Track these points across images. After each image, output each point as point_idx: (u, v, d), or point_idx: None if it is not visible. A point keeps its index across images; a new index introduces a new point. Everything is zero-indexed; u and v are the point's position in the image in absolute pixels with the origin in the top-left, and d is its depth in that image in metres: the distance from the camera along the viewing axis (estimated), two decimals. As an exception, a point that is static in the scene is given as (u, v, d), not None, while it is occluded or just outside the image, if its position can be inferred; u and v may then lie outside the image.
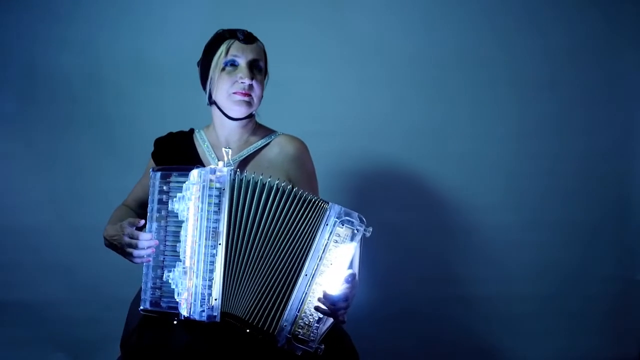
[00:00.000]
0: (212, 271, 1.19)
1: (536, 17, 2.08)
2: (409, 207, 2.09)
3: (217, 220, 1.20)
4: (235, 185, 1.22)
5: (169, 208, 1.23)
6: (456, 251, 2.11)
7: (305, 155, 1.48)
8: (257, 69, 1.40)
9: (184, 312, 1.19)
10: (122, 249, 1.27)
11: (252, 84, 1.37)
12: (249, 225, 1.22)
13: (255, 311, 1.20)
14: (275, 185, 1.23)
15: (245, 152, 1.43)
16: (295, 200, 1.22)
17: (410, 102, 2.07)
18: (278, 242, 1.22)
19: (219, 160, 1.41)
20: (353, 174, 2.08)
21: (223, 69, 1.37)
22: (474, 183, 2.09)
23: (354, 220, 1.21)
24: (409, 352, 2.09)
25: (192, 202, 1.20)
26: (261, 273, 1.21)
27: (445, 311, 2.09)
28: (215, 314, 1.18)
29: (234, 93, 1.37)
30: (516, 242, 2.09)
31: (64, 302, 2.04)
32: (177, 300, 1.20)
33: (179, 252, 1.21)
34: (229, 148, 1.34)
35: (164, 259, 1.24)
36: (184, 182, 1.21)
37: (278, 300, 1.20)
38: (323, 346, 1.20)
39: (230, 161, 1.37)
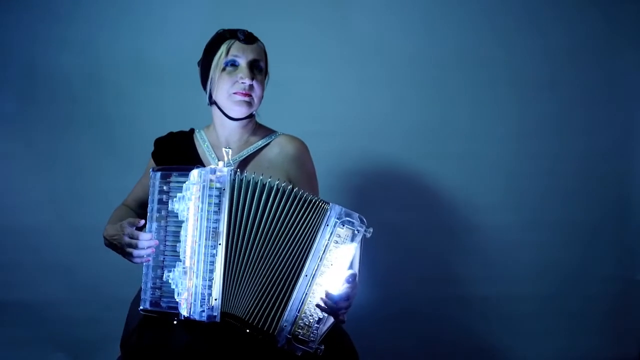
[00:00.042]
0: (212, 271, 1.19)
1: (536, 17, 2.08)
2: (409, 207, 2.09)
3: (217, 221, 1.20)
4: (236, 185, 1.22)
5: (169, 208, 1.23)
6: (456, 251, 2.11)
7: (305, 155, 1.48)
8: (258, 69, 1.40)
9: (184, 312, 1.19)
10: (122, 248, 1.27)
11: (252, 84, 1.37)
12: (249, 226, 1.22)
13: (255, 311, 1.20)
14: (275, 186, 1.23)
15: (246, 152, 1.43)
16: (296, 201, 1.22)
17: (410, 102, 2.07)
18: (278, 242, 1.22)
19: (219, 160, 1.41)
20: (353, 174, 2.08)
21: (223, 69, 1.37)
22: (474, 183, 2.09)
23: (354, 220, 1.21)
24: (409, 352, 2.09)
25: (192, 202, 1.20)
26: (261, 273, 1.21)
27: (445, 311, 2.09)
28: (215, 314, 1.18)
29: (234, 93, 1.37)
30: (516, 242, 2.09)
31: (64, 302, 2.04)
32: (177, 300, 1.20)
33: (179, 252, 1.21)
34: (229, 148, 1.34)
35: (164, 259, 1.24)
36: (184, 182, 1.21)
37: (278, 301, 1.20)
38: (323, 346, 1.20)
39: (231, 161, 1.37)
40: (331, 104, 2.06)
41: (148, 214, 1.25)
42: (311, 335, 1.20)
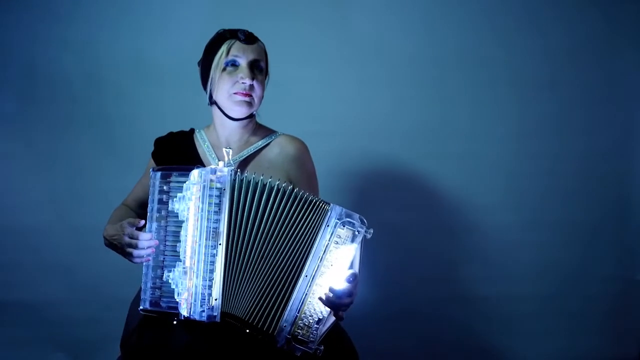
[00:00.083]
0: (212, 271, 1.19)
1: (536, 17, 2.08)
2: (409, 207, 2.09)
3: (217, 221, 1.20)
4: (236, 185, 1.22)
5: (169, 208, 1.23)
6: (456, 251, 2.11)
7: (305, 155, 1.48)
8: (258, 69, 1.40)
9: (184, 312, 1.19)
10: (122, 248, 1.27)
11: (252, 84, 1.37)
12: (249, 226, 1.22)
13: (255, 311, 1.20)
14: (276, 186, 1.23)
15: (246, 153, 1.43)
16: (296, 201, 1.22)
17: (410, 102, 2.07)
18: (278, 242, 1.22)
19: (219, 160, 1.41)
20: (353, 174, 2.08)
21: (224, 69, 1.37)
22: (474, 183, 2.09)
23: (354, 221, 1.21)
24: (409, 352, 2.09)
25: (193, 202, 1.20)
26: (261, 273, 1.21)
27: (445, 311, 2.09)
28: (215, 314, 1.18)
29: (234, 93, 1.37)
30: (516, 242, 2.09)
31: (64, 302, 2.04)
32: (177, 300, 1.20)
33: (179, 252, 1.21)
34: (230, 148, 1.34)
35: (164, 259, 1.24)
36: (185, 182, 1.21)
37: (278, 301, 1.20)
38: (322, 347, 1.20)
39: (231, 161, 1.37)
40: (331, 104, 2.06)
41: (148, 213, 1.25)
42: (311, 335, 1.20)
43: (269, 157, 1.45)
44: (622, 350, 2.13)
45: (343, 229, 1.21)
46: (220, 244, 1.19)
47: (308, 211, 1.22)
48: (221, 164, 1.31)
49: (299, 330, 1.20)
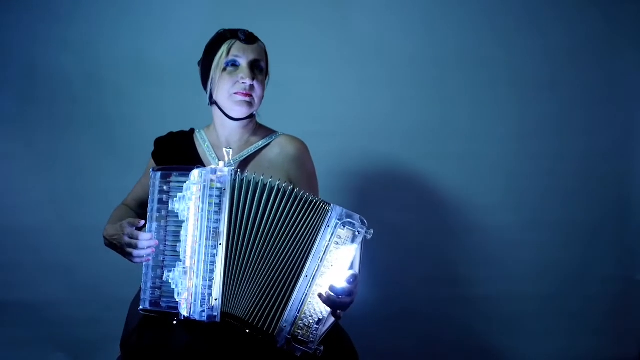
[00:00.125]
0: (212, 271, 1.19)
1: (536, 17, 2.08)
2: (409, 207, 2.09)
3: (217, 221, 1.19)
4: (236, 185, 1.22)
5: (169, 208, 1.23)
6: (456, 251, 2.11)
7: (305, 155, 1.48)
8: (258, 69, 1.40)
9: (184, 312, 1.19)
10: (122, 248, 1.27)
11: (253, 84, 1.37)
12: (249, 226, 1.22)
13: (255, 312, 1.20)
14: (276, 186, 1.23)
15: (246, 153, 1.43)
16: (297, 202, 1.22)
17: (410, 102, 2.07)
18: (279, 242, 1.22)
19: (219, 160, 1.41)
20: (353, 174, 2.08)
21: (224, 69, 1.37)
22: (474, 183, 2.09)
23: (355, 222, 1.21)
24: (409, 352, 2.09)
25: (193, 202, 1.20)
26: (262, 273, 1.21)
27: (446, 311, 2.09)
28: (215, 314, 1.18)
29: (235, 93, 1.37)
30: (516, 242, 2.09)
31: (64, 302, 2.04)
32: (177, 300, 1.20)
33: (179, 252, 1.21)
34: (230, 148, 1.34)
35: (164, 259, 1.24)
36: (185, 182, 1.21)
37: (278, 301, 1.20)
38: (322, 347, 1.20)
39: (231, 161, 1.37)
40: (331, 104, 2.06)
41: (148, 213, 1.25)
42: (310, 336, 1.20)
43: (269, 157, 1.45)
44: (622, 350, 2.13)
45: (343, 230, 1.21)
46: (220, 244, 1.19)
47: (308, 211, 1.22)
48: (221, 164, 1.30)
49: (299, 331, 1.20)
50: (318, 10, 2.06)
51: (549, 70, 2.09)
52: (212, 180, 1.20)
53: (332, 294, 1.17)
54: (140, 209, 1.48)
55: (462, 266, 2.11)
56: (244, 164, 1.43)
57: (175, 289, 1.21)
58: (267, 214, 1.22)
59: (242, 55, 1.37)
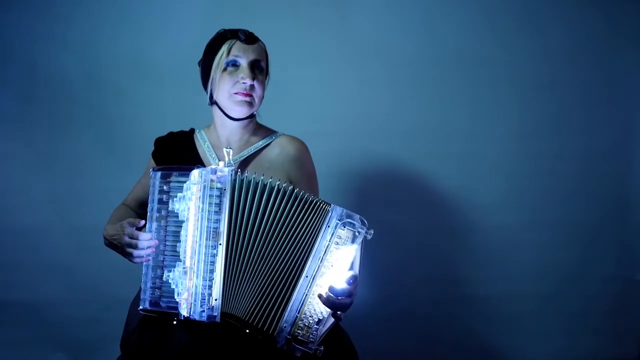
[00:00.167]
0: (212, 271, 1.19)
1: (536, 17, 2.08)
2: (409, 207, 2.09)
3: (217, 221, 1.19)
4: (237, 185, 1.22)
5: (169, 208, 1.23)
6: (456, 251, 2.11)
7: (305, 155, 1.48)
8: (259, 69, 1.40)
9: (184, 312, 1.19)
10: (122, 248, 1.27)
11: (253, 84, 1.37)
12: (249, 226, 1.22)
13: (255, 312, 1.20)
14: (276, 186, 1.23)
15: (246, 153, 1.43)
16: (297, 202, 1.22)
17: (410, 102, 2.07)
18: (279, 243, 1.22)
19: (219, 160, 1.41)
20: (353, 174, 2.08)
21: (224, 69, 1.37)
22: (474, 183, 2.09)
23: (355, 222, 1.21)
24: (409, 352, 2.09)
25: (193, 202, 1.20)
26: (262, 274, 1.21)
27: (446, 311, 2.09)
28: (215, 314, 1.18)
29: (235, 93, 1.37)
30: (516, 242, 2.09)
31: (64, 302, 2.04)
32: (177, 300, 1.20)
33: (179, 252, 1.21)
34: (230, 148, 1.34)
35: (163, 258, 1.24)
36: (185, 182, 1.21)
37: (278, 301, 1.20)
38: (322, 347, 1.20)
39: (231, 161, 1.37)
40: (331, 104, 2.06)
41: (148, 213, 1.25)
42: (310, 336, 1.20)
43: (269, 157, 1.45)
44: (622, 350, 2.13)
45: (344, 230, 1.21)
46: (220, 244, 1.19)
47: (308, 212, 1.22)
48: (221, 164, 1.30)
49: (299, 331, 1.20)
50: (318, 10, 2.06)
51: (549, 70, 2.09)
52: (212, 180, 1.20)
53: (332, 295, 1.17)
54: (140, 209, 1.48)
55: (462, 266, 2.11)
56: (244, 164, 1.43)
57: (175, 289, 1.21)
58: (267, 214, 1.22)
59: (243, 55, 1.37)
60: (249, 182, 1.23)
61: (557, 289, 2.11)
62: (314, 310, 1.20)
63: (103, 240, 1.35)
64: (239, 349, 1.23)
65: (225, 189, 1.20)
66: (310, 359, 1.20)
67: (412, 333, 2.09)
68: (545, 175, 2.09)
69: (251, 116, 1.43)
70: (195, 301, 1.18)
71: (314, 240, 1.21)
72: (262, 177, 1.24)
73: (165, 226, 1.24)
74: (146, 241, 1.23)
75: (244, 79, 1.36)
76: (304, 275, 1.20)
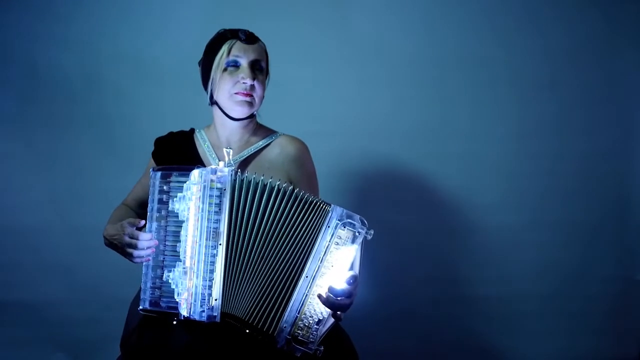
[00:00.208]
0: (212, 271, 1.19)
1: (536, 17, 2.08)
2: (409, 207, 2.09)
3: (217, 221, 1.19)
4: (237, 185, 1.22)
5: (169, 208, 1.23)
6: (456, 251, 2.11)
7: (305, 155, 1.48)
8: (259, 69, 1.40)
9: (183, 312, 1.19)
10: (122, 248, 1.27)
11: (253, 84, 1.37)
12: (249, 226, 1.22)
13: (255, 312, 1.20)
14: (276, 187, 1.23)
15: (246, 153, 1.43)
16: (297, 202, 1.22)
17: (410, 102, 2.07)
18: (279, 243, 1.22)
19: (219, 161, 1.41)
20: (353, 174, 2.08)
21: (225, 69, 1.37)
22: (474, 183, 2.09)
23: (355, 222, 1.21)
24: (409, 352, 2.09)
25: (193, 202, 1.20)
26: (262, 274, 1.21)
27: (446, 311, 2.09)
28: (215, 314, 1.18)
29: (235, 93, 1.37)
30: (516, 242, 2.09)
31: (64, 302, 2.04)
32: (177, 300, 1.20)
33: (179, 252, 1.21)
34: (230, 148, 1.34)
35: (163, 258, 1.24)
36: (185, 182, 1.21)
37: (278, 302, 1.20)
38: (322, 348, 1.20)
39: (231, 161, 1.37)
40: (331, 104, 2.06)
41: (148, 213, 1.25)
42: (310, 336, 1.20)
43: (269, 158, 1.45)
44: (622, 350, 2.13)
45: (344, 230, 1.21)
46: (220, 244, 1.19)
47: (309, 212, 1.22)
48: (221, 164, 1.30)
49: (299, 331, 1.20)
50: (318, 10, 2.06)
51: (549, 70, 2.09)
52: (212, 181, 1.20)
53: (332, 295, 1.17)
54: (140, 209, 1.48)
55: (462, 266, 2.11)
56: (244, 164, 1.43)
57: (175, 289, 1.21)
58: (267, 214, 1.22)
59: (243, 55, 1.37)
60: (249, 182, 1.23)
61: (557, 289, 2.11)
62: (314, 310, 1.20)
63: (103, 240, 1.35)
64: (239, 349, 1.23)
65: (225, 189, 1.20)
66: (310, 359, 1.20)
67: (412, 333, 2.09)
68: (545, 175, 2.09)
69: (251, 116, 1.43)
70: (195, 301, 1.18)
71: (314, 240, 1.21)
72: (262, 177, 1.24)
73: (165, 226, 1.24)
74: (146, 241, 1.23)
75: (244, 79, 1.36)
76: (304, 275, 1.20)
